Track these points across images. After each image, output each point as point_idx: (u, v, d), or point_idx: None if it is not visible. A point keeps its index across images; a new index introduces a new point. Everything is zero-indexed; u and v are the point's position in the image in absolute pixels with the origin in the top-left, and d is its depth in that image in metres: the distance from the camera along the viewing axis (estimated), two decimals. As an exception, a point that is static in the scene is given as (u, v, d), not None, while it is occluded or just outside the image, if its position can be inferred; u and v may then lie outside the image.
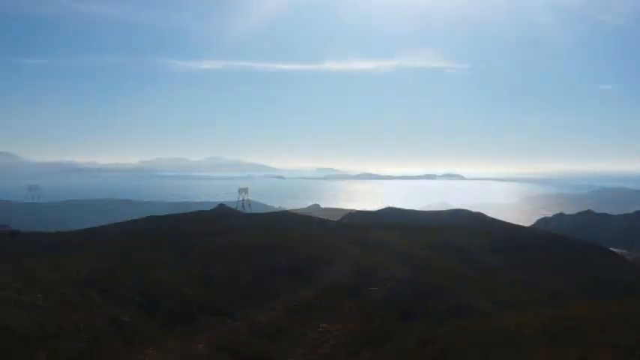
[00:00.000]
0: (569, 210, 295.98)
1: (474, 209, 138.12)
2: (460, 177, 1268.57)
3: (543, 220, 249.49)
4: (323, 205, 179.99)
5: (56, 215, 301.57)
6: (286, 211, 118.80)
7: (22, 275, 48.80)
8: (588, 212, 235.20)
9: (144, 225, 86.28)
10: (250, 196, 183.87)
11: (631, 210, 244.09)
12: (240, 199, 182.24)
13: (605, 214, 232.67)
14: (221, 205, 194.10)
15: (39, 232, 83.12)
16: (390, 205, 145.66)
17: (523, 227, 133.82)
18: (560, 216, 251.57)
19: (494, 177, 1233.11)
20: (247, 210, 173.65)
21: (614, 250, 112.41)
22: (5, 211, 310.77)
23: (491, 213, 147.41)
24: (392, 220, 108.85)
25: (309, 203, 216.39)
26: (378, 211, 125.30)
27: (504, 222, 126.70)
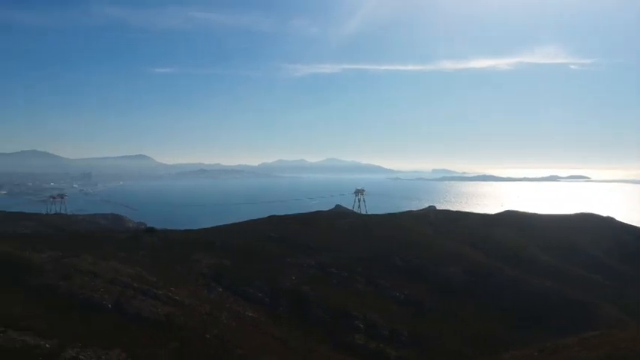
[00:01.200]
0: None
1: (603, 213, 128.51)
2: (586, 179, 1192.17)
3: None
4: (439, 207, 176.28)
5: (185, 214, 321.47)
6: (402, 212, 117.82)
7: (157, 269, 53.01)
8: None
9: (265, 224, 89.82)
10: (366, 197, 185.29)
11: None
12: (357, 200, 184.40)
13: None
14: (338, 206, 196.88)
15: (171, 230, 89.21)
16: (510, 208, 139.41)
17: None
18: None
19: (624, 179, 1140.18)
20: (363, 210, 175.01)
21: None
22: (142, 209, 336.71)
23: (621, 218, 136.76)
24: (512, 223, 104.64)
25: (425, 205, 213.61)
26: (497, 214, 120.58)
27: (637, 227, 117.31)
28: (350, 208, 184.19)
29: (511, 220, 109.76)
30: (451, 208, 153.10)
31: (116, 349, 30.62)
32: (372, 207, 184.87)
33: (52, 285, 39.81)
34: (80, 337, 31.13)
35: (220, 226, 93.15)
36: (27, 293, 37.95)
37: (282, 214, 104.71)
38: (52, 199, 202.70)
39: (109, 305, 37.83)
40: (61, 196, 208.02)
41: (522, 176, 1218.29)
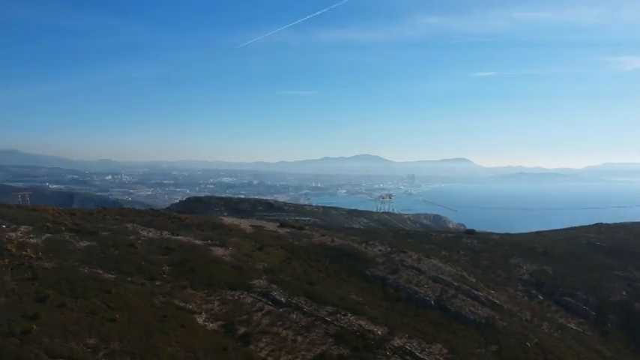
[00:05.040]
0: None
1: None
2: None
3: None
4: None
5: (504, 217, 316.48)
6: None
7: (476, 270, 54.21)
8: None
9: (590, 232, 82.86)
10: None
11: None
12: None
13: None
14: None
15: (490, 232, 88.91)
16: None
17: None
18: None
19: None
20: None
21: None
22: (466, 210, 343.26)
23: None
24: None
25: None
26: None
27: None
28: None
29: None
30: None
31: (438, 344, 32.69)
32: None
33: (382, 277, 44.49)
34: (406, 328, 34.16)
35: (541, 231, 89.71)
36: (362, 282, 43.22)
37: (611, 222, 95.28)
38: (381, 199, 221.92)
39: (432, 301, 40.46)
40: (390, 196, 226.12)
41: None
